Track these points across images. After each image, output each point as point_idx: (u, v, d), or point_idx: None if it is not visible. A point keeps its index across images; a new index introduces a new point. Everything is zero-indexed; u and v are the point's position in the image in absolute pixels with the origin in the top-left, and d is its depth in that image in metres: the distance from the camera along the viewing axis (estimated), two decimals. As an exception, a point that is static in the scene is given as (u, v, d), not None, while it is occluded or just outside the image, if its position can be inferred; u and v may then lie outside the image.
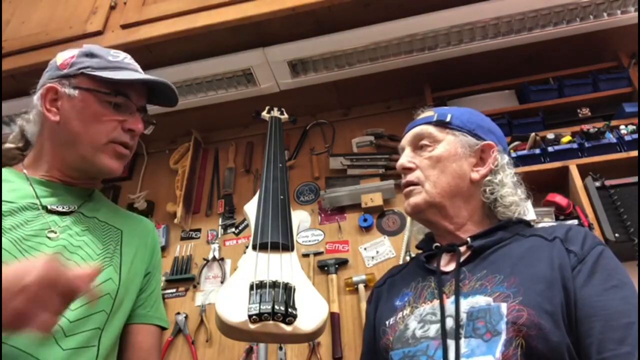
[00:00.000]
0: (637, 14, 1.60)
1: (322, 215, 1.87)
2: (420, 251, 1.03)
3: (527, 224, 0.97)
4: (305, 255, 1.75)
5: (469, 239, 0.91)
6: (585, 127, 1.56)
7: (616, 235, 1.34)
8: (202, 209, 2.03)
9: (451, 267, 0.90)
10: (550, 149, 1.56)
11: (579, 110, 1.69)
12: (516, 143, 1.62)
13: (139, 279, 1.00)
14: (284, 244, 1.11)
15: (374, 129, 2.03)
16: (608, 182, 1.42)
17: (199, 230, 1.96)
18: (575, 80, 1.76)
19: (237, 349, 1.62)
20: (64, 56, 0.97)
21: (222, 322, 0.91)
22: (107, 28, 1.73)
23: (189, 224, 1.98)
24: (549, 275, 0.79)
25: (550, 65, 1.81)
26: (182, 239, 1.95)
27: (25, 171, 0.94)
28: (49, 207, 0.89)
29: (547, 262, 0.81)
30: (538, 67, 1.82)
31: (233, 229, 1.93)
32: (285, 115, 1.64)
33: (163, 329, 1.05)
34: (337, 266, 1.69)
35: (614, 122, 1.57)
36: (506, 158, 0.99)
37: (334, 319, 1.57)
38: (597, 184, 1.43)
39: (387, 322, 0.92)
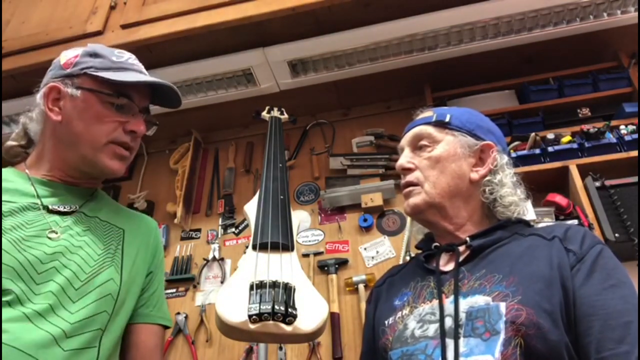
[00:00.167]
0: (637, 14, 1.60)
1: (322, 215, 1.87)
2: (419, 251, 1.03)
3: (527, 223, 0.97)
4: (305, 255, 1.75)
5: (467, 239, 0.91)
6: (585, 127, 1.56)
7: (616, 235, 1.34)
8: (202, 209, 2.03)
9: (450, 266, 0.91)
10: (550, 149, 1.56)
11: (579, 110, 1.69)
12: (516, 143, 1.62)
13: (140, 278, 0.99)
14: (284, 244, 1.11)
15: (374, 129, 2.03)
16: (608, 182, 1.42)
17: (199, 230, 1.96)
18: (575, 80, 1.76)
19: (237, 349, 1.62)
20: (67, 55, 0.96)
21: (222, 322, 0.91)
22: (107, 28, 1.73)
23: (189, 224, 1.99)
24: (548, 274, 0.79)
25: (550, 65, 1.81)
26: (182, 239, 1.95)
27: (27, 171, 0.93)
28: (50, 207, 0.89)
29: (546, 261, 0.81)
30: (538, 67, 1.82)
31: (233, 229, 1.93)
32: (285, 115, 1.64)
33: (166, 327, 1.04)
34: (337, 266, 1.69)
35: (614, 122, 1.57)
36: (505, 158, 0.99)
37: (334, 319, 1.57)
38: (597, 184, 1.43)
39: (386, 322, 0.92)
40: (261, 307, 0.90)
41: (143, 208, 2.00)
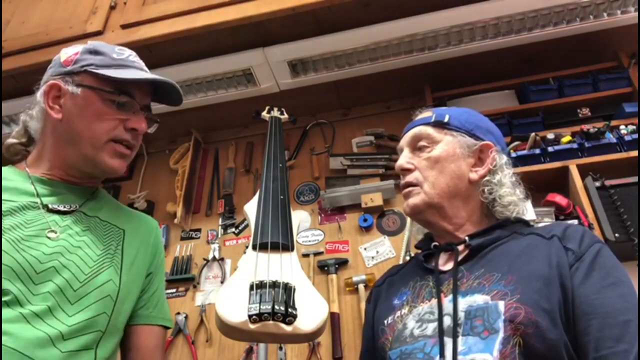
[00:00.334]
0: (637, 14, 1.61)
1: (322, 215, 1.87)
2: (419, 251, 1.03)
3: (526, 223, 0.96)
4: (305, 255, 1.75)
5: (466, 238, 0.91)
6: (585, 127, 1.56)
7: (616, 235, 1.34)
8: (202, 209, 2.03)
9: (449, 266, 0.91)
10: (550, 149, 1.56)
11: (579, 110, 1.69)
12: (516, 143, 1.62)
13: (140, 279, 0.98)
14: (284, 244, 1.11)
15: (374, 129, 2.03)
16: (608, 182, 1.42)
17: (199, 230, 1.96)
18: (575, 80, 1.76)
19: (237, 349, 1.62)
20: (68, 52, 0.95)
21: (222, 322, 0.91)
22: (107, 28, 1.74)
23: (189, 224, 1.99)
24: (547, 273, 0.79)
25: (550, 65, 1.81)
26: (182, 239, 1.95)
27: (27, 169, 0.93)
28: (49, 206, 0.88)
29: (545, 260, 0.81)
30: (538, 67, 1.82)
31: (233, 229, 1.93)
32: (285, 115, 1.64)
33: (167, 328, 1.03)
34: (337, 266, 1.69)
35: (614, 122, 1.58)
36: (504, 158, 0.99)
37: (334, 319, 1.57)
38: (597, 184, 1.43)
39: (385, 322, 0.92)
40: (261, 307, 0.90)
41: (143, 208, 2.00)
